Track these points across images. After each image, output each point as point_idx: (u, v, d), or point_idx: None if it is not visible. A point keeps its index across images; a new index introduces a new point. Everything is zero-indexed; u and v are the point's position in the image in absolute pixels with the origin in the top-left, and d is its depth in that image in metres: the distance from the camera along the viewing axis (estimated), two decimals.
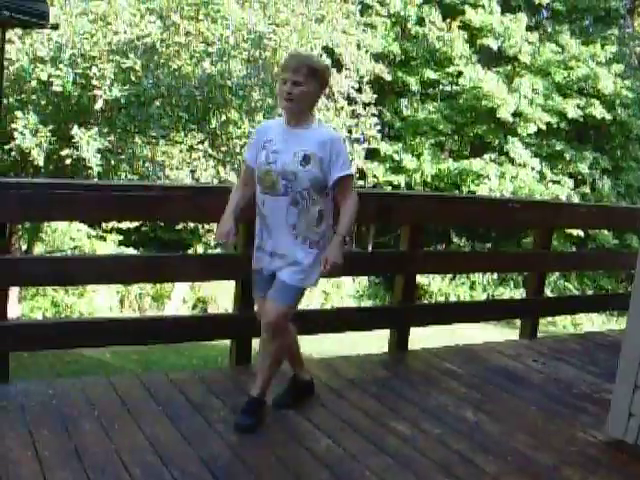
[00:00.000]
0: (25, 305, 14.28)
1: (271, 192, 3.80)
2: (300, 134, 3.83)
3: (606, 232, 20.31)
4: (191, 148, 12.28)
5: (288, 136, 3.84)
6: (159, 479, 3.32)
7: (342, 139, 4.10)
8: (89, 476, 3.25)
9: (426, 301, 18.77)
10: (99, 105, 10.60)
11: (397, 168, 20.77)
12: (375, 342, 7.07)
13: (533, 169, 20.80)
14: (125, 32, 10.75)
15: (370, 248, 21.67)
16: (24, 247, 14.02)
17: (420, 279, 17.06)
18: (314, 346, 11.02)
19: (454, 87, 21.54)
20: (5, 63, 7.67)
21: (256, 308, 4.24)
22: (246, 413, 3.95)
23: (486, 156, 20.83)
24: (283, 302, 3.84)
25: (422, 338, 6.31)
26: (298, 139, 3.81)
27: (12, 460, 3.33)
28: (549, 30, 23.00)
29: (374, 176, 19.16)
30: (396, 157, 20.72)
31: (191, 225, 14.93)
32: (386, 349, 5.81)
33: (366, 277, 19.63)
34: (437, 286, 19.93)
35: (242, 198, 4.01)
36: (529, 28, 21.80)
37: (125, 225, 16.02)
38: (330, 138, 3.86)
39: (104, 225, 16.24)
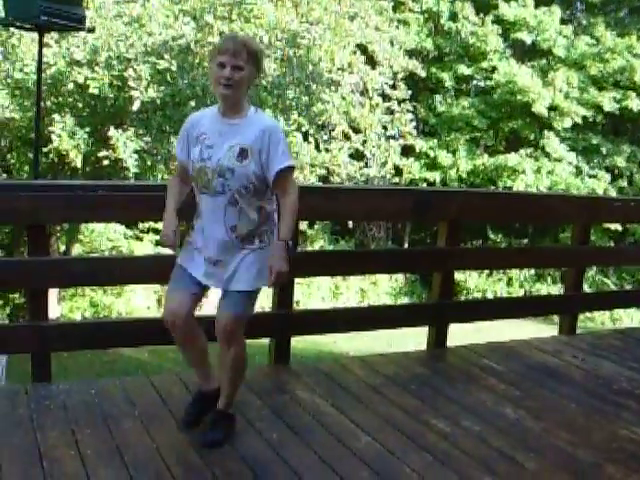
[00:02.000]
0: (64, 305, 14.43)
1: (207, 191, 3.47)
2: (235, 125, 3.48)
3: None
4: None
5: (223, 128, 3.49)
6: (200, 477, 3.34)
7: (281, 127, 3.72)
8: (131, 474, 3.28)
9: (463, 297, 18.69)
10: (135, 106, 10.69)
11: (432, 164, 20.72)
12: (411, 339, 7.06)
13: (570, 163, 20.64)
14: (160, 34, 10.82)
15: (406, 245, 21.64)
16: (62, 248, 14.18)
17: (457, 275, 17.00)
18: (351, 344, 11.06)
19: (488, 82, 21.44)
20: (42, 67, 7.74)
21: (165, 303, 3.74)
22: (212, 428, 3.71)
23: (522, 151, 20.70)
24: (237, 311, 3.55)
25: (460, 335, 6.28)
26: (233, 131, 3.47)
27: (55, 458, 3.37)
28: (583, 22, 22.81)
29: (410, 173, 19.11)
30: (431, 153, 20.68)
31: None
32: (423, 346, 5.79)
33: (403, 274, 19.60)
34: (474, 282, 19.85)
35: (179, 194, 3.67)
36: (563, 21, 21.63)
37: (162, 225, 16.12)
38: (267, 127, 3.50)
39: (141, 225, 16.36)
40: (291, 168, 3.55)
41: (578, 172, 20.86)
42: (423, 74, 16.96)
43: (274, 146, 3.46)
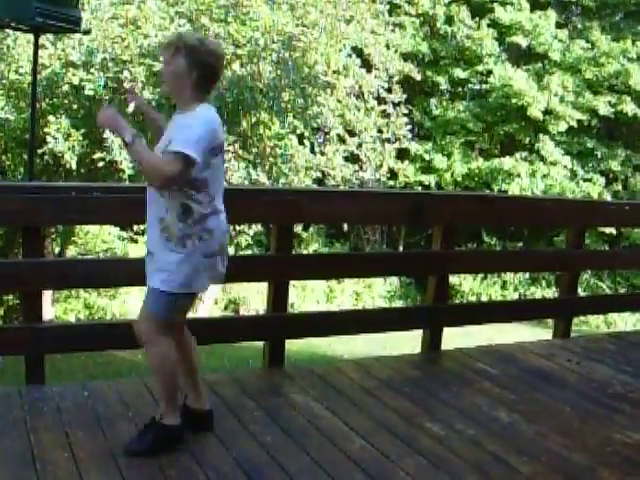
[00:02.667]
0: (58, 307, 14.40)
1: (148, 186, 3.50)
2: (175, 120, 3.52)
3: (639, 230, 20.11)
4: None
5: (170, 122, 3.57)
6: (194, 479, 3.34)
7: (205, 121, 3.46)
8: (124, 476, 3.28)
9: (457, 301, 18.69)
10: (131, 109, 10.65)
11: (427, 168, 20.71)
12: (406, 342, 7.07)
13: (564, 167, 20.64)
14: (155, 36, 10.81)
15: (401, 248, 21.64)
16: (57, 250, 14.15)
17: (451, 279, 17.00)
18: (345, 347, 11.05)
19: (484, 86, 21.45)
20: (38, 68, 7.74)
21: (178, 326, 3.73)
22: (138, 437, 3.61)
23: (517, 155, 20.70)
24: (151, 309, 3.51)
25: (454, 338, 6.28)
26: (172, 125, 3.51)
27: (49, 460, 3.37)
28: (579, 27, 22.84)
29: (405, 176, 19.12)
30: (426, 157, 20.66)
31: None
32: (417, 349, 5.79)
33: (397, 277, 19.59)
34: (468, 286, 19.85)
35: None
36: (559, 25, 21.66)
37: None
38: (189, 117, 3.42)
39: (135, 227, 16.34)
40: (176, 154, 3.28)
41: (573, 176, 20.87)
42: (418, 77, 16.95)
43: (177, 131, 3.40)
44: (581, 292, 17.95)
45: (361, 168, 13.71)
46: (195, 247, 3.44)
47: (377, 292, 19.25)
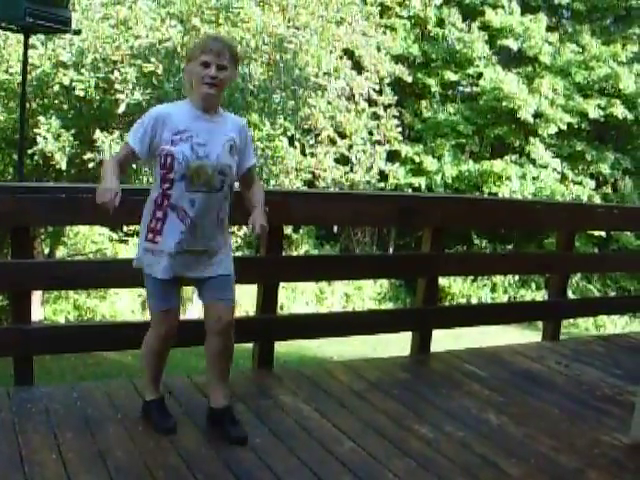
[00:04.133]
0: (48, 308, 14.36)
1: (205, 189, 3.49)
2: (220, 122, 3.60)
3: (628, 233, 20.18)
4: None
5: (210, 125, 3.55)
6: None
7: None
8: (113, 478, 3.27)
9: (447, 303, 18.72)
10: (121, 109, 10.65)
11: (418, 170, 20.73)
12: (395, 344, 7.06)
13: (554, 170, 20.71)
14: (146, 36, 10.79)
15: (391, 250, 21.65)
16: (46, 251, 14.11)
17: (441, 281, 17.04)
18: (335, 349, 11.06)
19: (474, 88, 21.50)
20: (28, 68, 7.72)
21: (160, 320, 3.70)
22: (234, 424, 3.81)
23: (507, 157, 20.76)
24: (232, 298, 3.70)
25: (443, 340, 6.29)
26: (219, 128, 3.57)
27: (37, 462, 3.35)
28: (569, 30, 22.89)
29: (395, 178, 19.13)
30: (417, 159, 20.68)
31: None
32: (407, 351, 5.80)
33: (387, 279, 19.60)
34: (458, 288, 19.88)
35: (118, 174, 3.44)
36: (549, 28, 21.71)
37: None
38: (244, 124, 3.77)
39: (126, 228, 16.30)
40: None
41: (563, 179, 20.94)
42: (409, 80, 17.00)
43: (250, 141, 3.76)
44: (571, 295, 18.01)
45: (351, 170, 13.72)
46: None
47: (367, 294, 19.27)
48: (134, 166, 11.63)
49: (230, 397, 3.90)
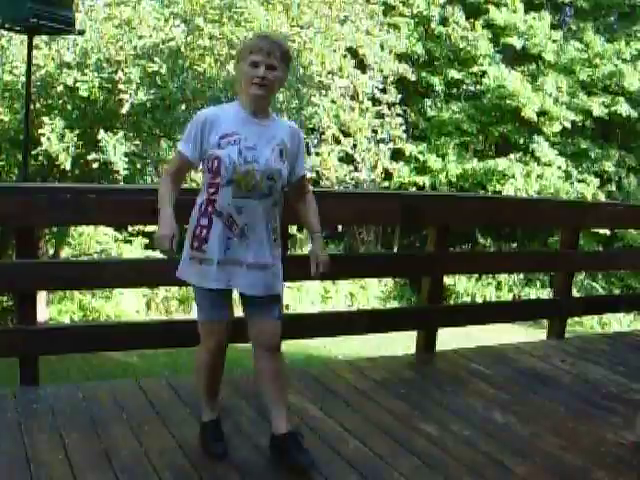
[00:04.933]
0: (53, 308, 14.37)
1: (253, 195, 3.32)
2: (269, 126, 3.42)
3: (633, 231, 20.13)
4: None
5: (259, 129, 3.38)
6: None
7: None
8: (119, 478, 3.27)
9: (452, 301, 18.70)
10: (125, 109, 10.65)
11: (422, 168, 20.71)
12: (400, 343, 7.07)
13: (559, 168, 20.67)
14: (150, 36, 10.79)
15: (395, 249, 21.64)
16: (51, 251, 14.13)
17: (446, 280, 17.03)
18: (340, 348, 11.05)
19: (478, 87, 21.46)
20: (32, 69, 7.72)
21: (208, 333, 3.55)
22: (299, 450, 3.52)
23: (511, 155, 20.73)
24: (281, 316, 3.54)
25: (449, 339, 6.29)
26: (269, 132, 3.40)
27: (43, 462, 3.36)
28: (573, 28, 22.85)
29: (399, 177, 19.12)
30: (421, 157, 20.66)
31: None
32: (412, 350, 5.80)
33: (392, 278, 19.59)
34: (463, 286, 19.85)
35: (174, 197, 3.41)
36: (553, 26, 21.67)
37: (151, 228, 16.04)
38: (297, 129, 3.59)
39: (130, 228, 16.31)
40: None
41: (567, 176, 20.90)
42: (413, 78, 16.94)
43: (302, 148, 3.57)
44: (575, 293, 17.98)
45: (356, 169, 13.70)
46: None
47: (372, 293, 19.24)
48: (138, 166, 11.67)
49: (289, 421, 3.63)
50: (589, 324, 18.01)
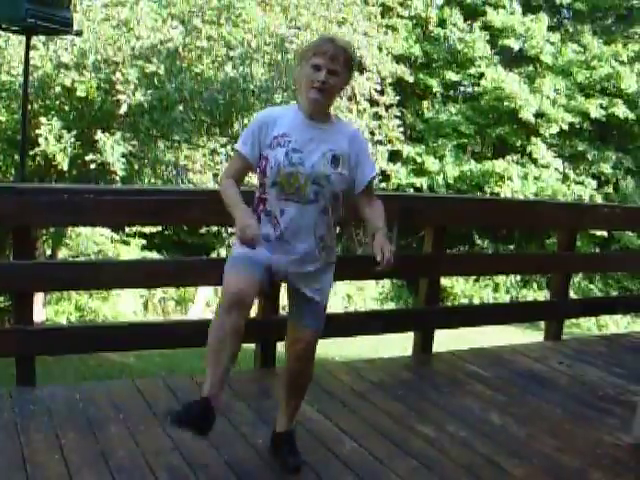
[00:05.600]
0: (50, 309, 14.36)
1: (295, 199, 3.22)
2: (326, 130, 3.29)
3: (630, 233, 20.16)
4: (214, 152, 12.32)
5: (312, 132, 3.27)
6: None
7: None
8: (115, 479, 3.27)
9: (449, 303, 18.72)
10: (123, 110, 10.65)
11: (419, 170, 20.74)
12: (398, 345, 7.07)
13: (556, 170, 20.71)
14: (148, 37, 10.79)
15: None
16: (48, 252, 14.11)
17: (443, 281, 17.02)
18: (337, 349, 11.04)
19: (476, 88, 21.50)
20: (30, 69, 7.72)
21: (230, 280, 3.13)
22: (292, 451, 3.57)
23: (509, 157, 20.76)
24: (320, 326, 3.46)
25: (446, 340, 6.29)
26: (324, 136, 3.27)
27: (39, 463, 3.35)
28: (571, 30, 22.89)
29: (397, 178, 19.13)
30: (418, 159, 20.69)
31: (214, 229, 15.00)
32: (409, 352, 5.80)
33: (389, 280, 19.59)
34: (460, 288, 19.87)
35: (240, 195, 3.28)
36: (550, 28, 21.72)
37: (148, 229, 16.06)
38: (358, 135, 3.47)
39: (127, 229, 16.31)
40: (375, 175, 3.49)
41: (564, 178, 20.93)
42: (411, 80, 17.02)
43: (364, 153, 3.41)
44: (572, 295, 17.99)
45: None
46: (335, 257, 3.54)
47: (369, 294, 19.25)
48: (135, 166, 11.65)
49: (294, 422, 3.66)
50: (586, 326, 18.03)
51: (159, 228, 16.56)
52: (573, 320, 15.70)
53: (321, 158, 3.24)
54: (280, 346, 4.99)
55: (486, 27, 21.19)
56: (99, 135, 10.62)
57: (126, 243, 16.72)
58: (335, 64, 3.18)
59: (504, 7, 21.27)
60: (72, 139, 10.64)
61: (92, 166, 10.93)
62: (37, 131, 10.53)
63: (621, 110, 20.56)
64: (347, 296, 18.76)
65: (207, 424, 3.10)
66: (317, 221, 3.29)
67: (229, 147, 12.07)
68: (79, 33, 9.04)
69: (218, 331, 3.10)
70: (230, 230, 12.95)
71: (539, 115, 20.29)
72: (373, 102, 14.05)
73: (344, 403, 4.44)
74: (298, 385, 3.56)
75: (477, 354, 5.81)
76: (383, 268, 3.26)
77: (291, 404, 3.61)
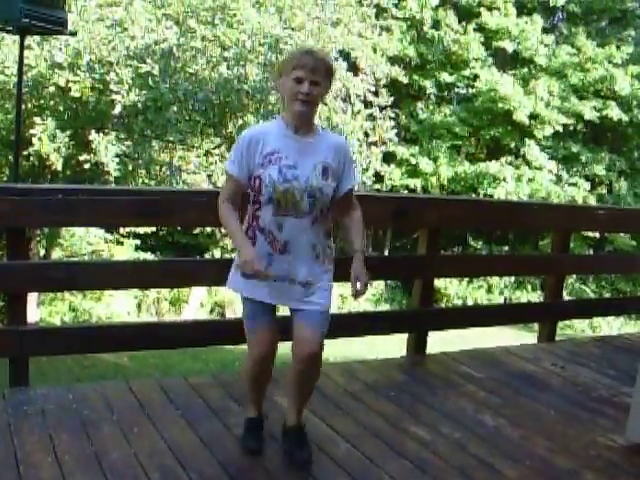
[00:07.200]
0: (44, 309, 14.35)
1: (293, 213, 3.31)
2: (313, 143, 3.37)
3: (623, 235, 20.22)
4: (208, 152, 12.32)
5: (301, 146, 3.34)
6: None
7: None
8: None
9: (443, 304, 18.73)
10: (117, 110, 10.65)
11: (413, 171, 20.78)
12: (391, 346, 7.06)
13: (550, 171, 20.76)
14: (142, 37, 10.79)
15: (387, 252, 21.66)
16: (42, 252, 14.10)
17: (437, 282, 17.03)
18: (331, 350, 11.06)
19: (470, 90, 21.57)
20: (24, 69, 7.71)
21: (260, 338, 3.51)
22: (301, 446, 3.63)
23: (502, 159, 20.82)
24: (323, 328, 3.49)
25: (439, 342, 6.29)
26: (312, 149, 3.35)
27: (32, 464, 3.34)
28: (565, 32, 22.97)
29: (390, 179, 19.15)
30: (412, 160, 20.73)
31: (208, 229, 15.00)
32: (404, 353, 5.79)
33: (383, 281, 19.60)
34: (454, 289, 19.90)
35: (238, 219, 3.41)
36: (545, 30, 21.80)
37: (142, 229, 16.06)
38: (342, 144, 3.53)
39: (121, 230, 16.30)
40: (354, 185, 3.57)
41: (558, 180, 20.99)
42: (405, 81, 17.01)
43: (349, 162, 3.49)
44: (566, 296, 18.03)
45: None
46: (333, 259, 3.60)
47: (363, 296, 19.26)
48: (130, 167, 11.64)
49: (303, 417, 3.73)
50: (580, 327, 18.09)
51: (153, 229, 16.57)
52: (567, 322, 15.76)
53: (312, 171, 3.33)
54: (281, 346, 5.00)
55: (480, 29, 21.24)
56: (93, 135, 10.62)
57: (120, 243, 16.72)
58: (317, 75, 3.24)
59: (498, 9, 21.32)
60: (66, 139, 10.64)
61: (86, 166, 10.94)
62: (31, 131, 10.52)
63: (615, 112, 20.64)
64: (341, 297, 18.75)
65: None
66: (310, 231, 3.38)
67: (223, 148, 12.09)
68: (73, 33, 9.04)
69: (253, 379, 3.67)
70: (223, 231, 12.95)
71: (533, 117, 20.35)
72: (367, 103, 14.07)
73: (338, 404, 4.43)
74: (304, 385, 3.62)
75: (471, 355, 5.80)
76: (357, 297, 3.57)
77: (298, 401, 3.68)
